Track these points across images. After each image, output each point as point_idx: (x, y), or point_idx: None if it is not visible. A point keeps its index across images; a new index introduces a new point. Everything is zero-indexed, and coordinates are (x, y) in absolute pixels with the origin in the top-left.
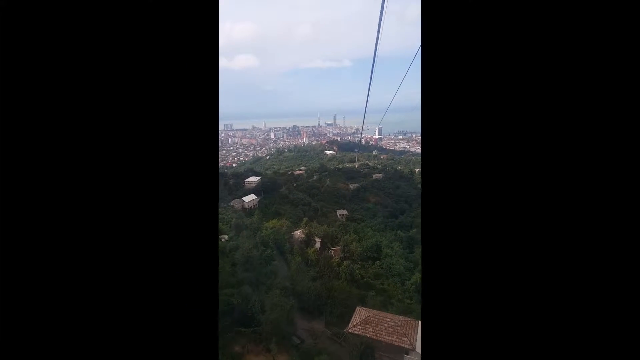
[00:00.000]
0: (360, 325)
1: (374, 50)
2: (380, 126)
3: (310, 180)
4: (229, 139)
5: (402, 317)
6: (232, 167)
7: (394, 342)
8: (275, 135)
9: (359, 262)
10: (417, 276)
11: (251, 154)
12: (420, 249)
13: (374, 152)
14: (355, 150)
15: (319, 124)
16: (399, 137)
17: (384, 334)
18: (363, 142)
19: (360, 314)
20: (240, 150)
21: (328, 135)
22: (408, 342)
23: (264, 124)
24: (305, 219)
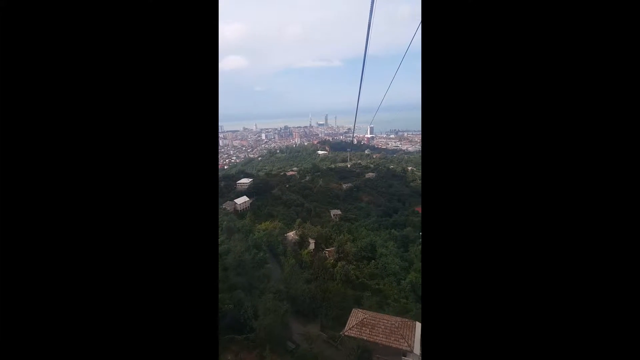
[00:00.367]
0: (356, 328)
1: (364, 49)
2: (371, 125)
3: (302, 181)
4: (220, 141)
5: (399, 319)
6: (224, 169)
7: (391, 345)
8: (266, 136)
9: (354, 263)
10: (412, 275)
11: (242, 156)
12: (414, 248)
13: (366, 152)
14: (348, 149)
15: (310, 124)
16: (391, 136)
17: (381, 336)
18: (355, 142)
19: (357, 316)
20: (231, 152)
21: (320, 135)
22: (406, 344)
23: (255, 125)
24: (299, 220)
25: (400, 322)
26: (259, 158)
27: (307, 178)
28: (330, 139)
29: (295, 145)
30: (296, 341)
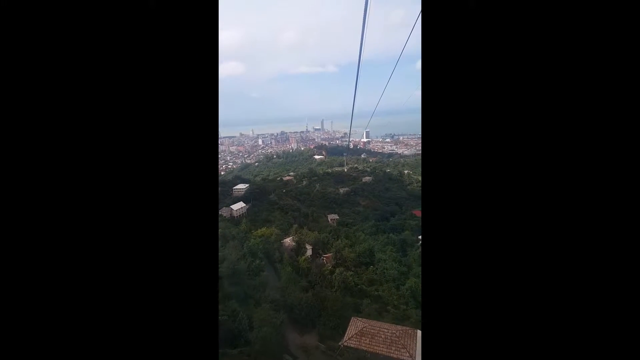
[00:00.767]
0: (356, 338)
1: (358, 55)
2: (367, 129)
3: (299, 185)
4: None
5: (399, 327)
6: (220, 175)
7: (392, 355)
8: (263, 141)
9: (352, 269)
10: (412, 280)
11: (239, 162)
12: (412, 252)
13: (362, 156)
14: (344, 154)
15: (306, 129)
16: (387, 140)
17: (381, 346)
18: (351, 146)
19: (356, 325)
20: (228, 158)
21: (316, 140)
22: (407, 354)
23: (252, 130)
24: (296, 225)
25: (401, 331)
26: (256, 163)
27: (304, 183)
28: (327, 143)
29: (292, 150)
30: (293, 353)
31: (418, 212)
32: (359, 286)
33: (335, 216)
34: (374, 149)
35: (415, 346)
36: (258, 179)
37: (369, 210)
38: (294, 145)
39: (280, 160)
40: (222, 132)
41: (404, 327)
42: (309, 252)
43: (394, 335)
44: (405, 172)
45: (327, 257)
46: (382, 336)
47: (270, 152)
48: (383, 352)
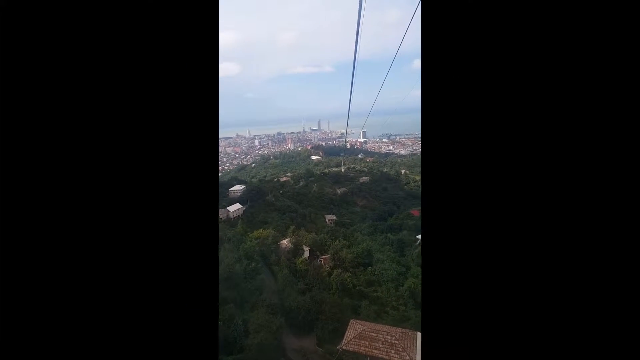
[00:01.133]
0: (355, 341)
1: (353, 55)
2: (364, 130)
3: (296, 186)
4: None
5: (399, 329)
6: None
7: (392, 358)
8: (260, 142)
9: (350, 270)
10: (410, 281)
11: (236, 163)
12: (411, 251)
13: (359, 156)
14: (341, 154)
15: (303, 130)
16: (383, 140)
17: (381, 349)
18: (348, 146)
19: (355, 328)
20: (224, 159)
21: (313, 140)
22: (407, 357)
23: (248, 131)
24: (293, 226)
25: (401, 333)
26: (253, 165)
27: (301, 183)
28: (324, 144)
29: (289, 150)
30: (291, 358)
31: (415, 212)
32: (357, 288)
33: (333, 216)
34: (371, 149)
35: (415, 349)
36: (255, 180)
37: (366, 210)
38: (290, 146)
39: (277, 161)
40: (219, 133)
41: (404, 329)
42: (306, 254)
43: (394, 337)
44: (403, 171)
45: (325, 259)
46: (382, 339)
47: (267, 152)
48: (383, 356)
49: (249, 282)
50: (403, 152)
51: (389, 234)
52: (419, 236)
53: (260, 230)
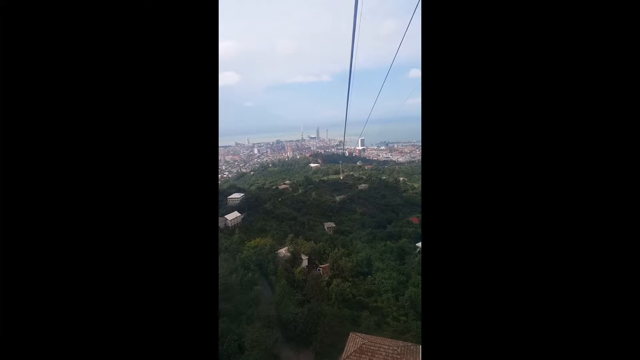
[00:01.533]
0: (355, 356)
1: (349, 64)
2: (362, 137)
3: (295, 194)
4: None
5: (401, 343)
6: None
7: None
8: (259, 150)
9: (350, 279)
10: (410, 290)
11: (235, 171)
12: (410, 259)
13: (358, 163)
14: (340, 162)
15: (302, 138)
16: (382, 148)
17: None
18: (347, 154)
19: (355, 341)
20: (223, 168)
21: (312, 148)
22: None
23: (247, 139)
24: (291, 235)
25: (403, 347)
26: (252, 172)
27: (300, 191)
28: (322, 151)
29: (288, 158)
30: None
31: (414, 219)
32: (357, 298)
33: (332, 224)
34: (369, 156)
35: None
36: (253, 187)
37: (365, 217)
38: (289, 154)
39: (276, 168)
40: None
41: (406, 343)
42: (305, 263)
43: (395, 352)
44: (401, 179)
45: (324, 268)
46: (383, 353)
47: (266, 160)
48: None
49: (245, 294)
50: (401, 159)
51: (388, 242)
52: (419, 244)
53: (258, 239)
